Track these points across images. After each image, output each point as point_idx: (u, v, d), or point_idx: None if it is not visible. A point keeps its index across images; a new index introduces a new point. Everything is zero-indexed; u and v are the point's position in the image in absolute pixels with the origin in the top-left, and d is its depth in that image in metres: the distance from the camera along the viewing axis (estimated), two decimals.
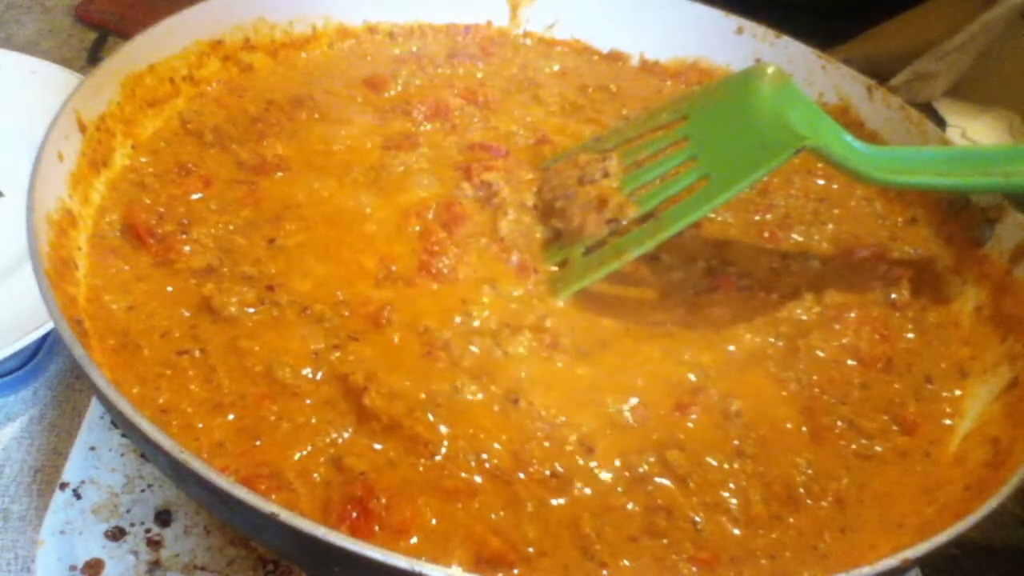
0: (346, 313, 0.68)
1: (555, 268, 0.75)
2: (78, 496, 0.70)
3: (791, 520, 0.61)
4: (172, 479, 0.57)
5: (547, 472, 0.60)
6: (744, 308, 0.75)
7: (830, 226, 0.86)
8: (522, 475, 0.60)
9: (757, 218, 0.85)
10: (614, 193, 0.75)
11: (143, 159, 0.79)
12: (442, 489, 0.58)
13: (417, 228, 0.76)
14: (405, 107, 0.91)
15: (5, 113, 1.07)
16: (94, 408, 0.76)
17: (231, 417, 0.61)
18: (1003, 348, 0.73)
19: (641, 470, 0.62)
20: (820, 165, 0.88)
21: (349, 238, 0.75)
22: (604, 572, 0.56)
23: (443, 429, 0.61)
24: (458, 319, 0.69)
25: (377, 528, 0.56)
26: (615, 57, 1.07)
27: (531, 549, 0.56)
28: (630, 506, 0.60)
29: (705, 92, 0.81)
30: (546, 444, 0.62)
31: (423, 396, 0.63)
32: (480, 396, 0.64)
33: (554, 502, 0.59)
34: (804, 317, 0.75)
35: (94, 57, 1.31)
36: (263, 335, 0.66)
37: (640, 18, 1.05)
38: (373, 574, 0.47)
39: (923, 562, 0.52)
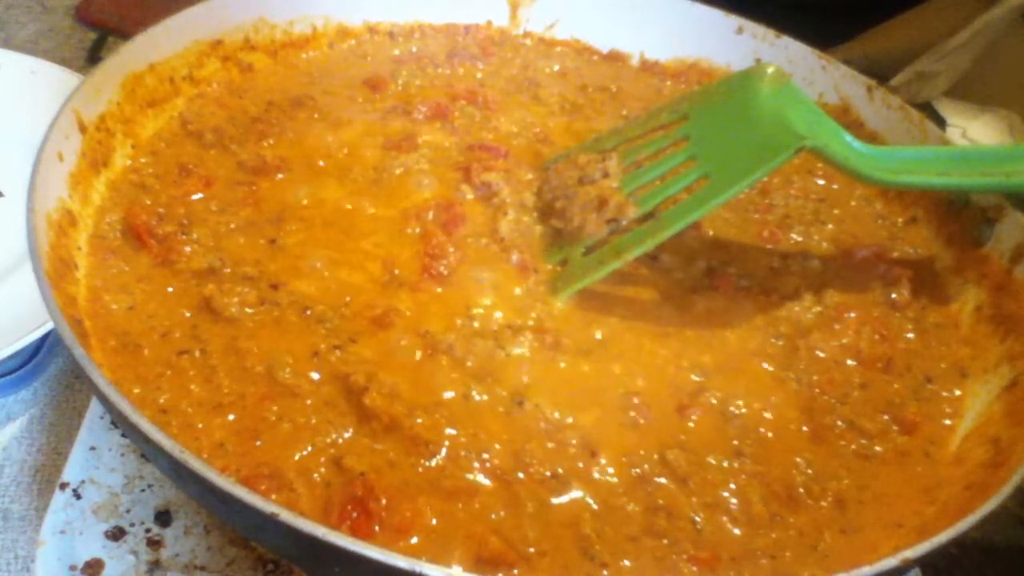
0: (347, 314, 0.68)
1: (555, 268, 0.75)
2: (78, 496, 0.70)
3: (791, 520, 0.61)
4: (172, 479, 0.57)
5: (547, 473, 0.60)
6: (744, 308, 0.75)
7: (830, 226, 0.86)
8: (522, 475, 0.60)
9: (757, 218, 0.85)
10: (614, 193, 0.75)
11: (143, 159, 0.79)
12: (442, 489, 0.58)
13: (417, 230, 0.76)
14: (405, 107, 0.91)
15: (5, 113, 1.07)
16: (94, 408, 0.76)
17: (231, 417, 0.61)
18: (1003, 348, 0.73)
19: (642, 470, 0.62)
20: (820, 165, 0.88)
21: (350, 240, 0.75)
22: (604, 572, 0.56)
23: (444, 430, 0.61)
24: (459, 320, 0.69)
25: (377, 528, 0.56)
26: (615, 57, 1.07)
27: (531, 549, 0.56)
28: (630, 506, 0.60)
29: (705, 92, 0.81)
30: (549, 445, 0.62)
31: (424, 397, 0.63)
32: (485, 398, 0.64)
33: (554, 502, 0.59)
34: (804, 317, 0.75)
35: (94, 57, 1.31)
36: (263, 335, 0.66)
37: (640, 18, 1.05)
38: (373, 574, 0.47)
39: (923, 562, 0.52)
